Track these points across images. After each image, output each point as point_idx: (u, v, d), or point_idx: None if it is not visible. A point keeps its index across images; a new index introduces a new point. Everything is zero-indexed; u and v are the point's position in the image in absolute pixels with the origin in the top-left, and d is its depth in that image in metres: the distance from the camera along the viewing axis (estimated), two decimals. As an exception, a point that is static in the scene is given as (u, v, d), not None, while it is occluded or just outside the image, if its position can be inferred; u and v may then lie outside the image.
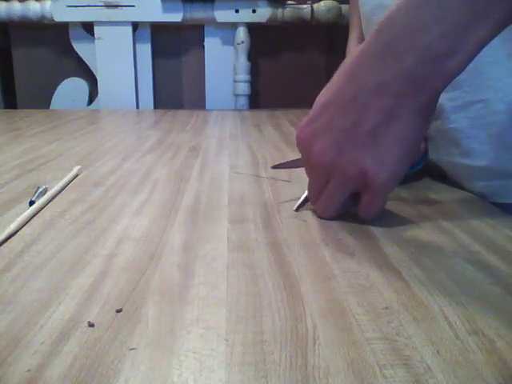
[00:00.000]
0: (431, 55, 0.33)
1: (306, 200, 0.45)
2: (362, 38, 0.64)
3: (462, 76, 0.35)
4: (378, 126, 0.36)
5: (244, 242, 0.36)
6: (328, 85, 0.40)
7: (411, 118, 0.36)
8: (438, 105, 0.37)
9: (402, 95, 0.35)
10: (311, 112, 0.40)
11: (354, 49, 0.63)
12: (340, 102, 0.37)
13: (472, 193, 0.49)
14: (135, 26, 1.30)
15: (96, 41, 1.27)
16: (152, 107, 1.34)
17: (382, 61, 0.35)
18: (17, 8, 1.25)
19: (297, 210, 0.44)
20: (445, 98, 0.38)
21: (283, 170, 0.57)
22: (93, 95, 1.35)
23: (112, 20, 1.25)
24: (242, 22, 1.26)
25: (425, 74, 0.34)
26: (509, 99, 0.44)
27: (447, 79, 0.35)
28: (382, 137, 0.36)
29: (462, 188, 0.51)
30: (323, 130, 0.38)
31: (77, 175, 0.55)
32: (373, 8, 0.57)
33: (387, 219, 0.41)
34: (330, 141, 0.38)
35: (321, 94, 0.40)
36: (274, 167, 0.55)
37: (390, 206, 0.44)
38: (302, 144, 0.40)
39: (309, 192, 0.43)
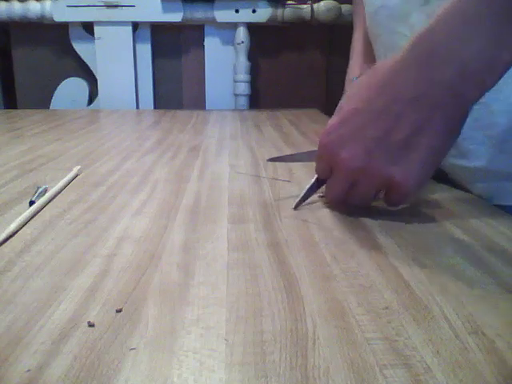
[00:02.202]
0: (470, 68, 0.34)
1: (304, 198, 0.45)
2: (366, 38, 0.64)
3: None
4: (409, 137, 0.37)
5: (244, 242, 0.36)
6: (355, 91, 0.40)
7: (444, 129, 0.36)
8: None
9: (437, 107, 0.36)
10: (337, 118, 0.40)
11: (357, 48, 0.63)
12: (371, 111, 0.38)
13: (478, 193, 0.49)
14: (135, 26, 1.30)
15: (96, 41, 1.27)
16: (152, 107, 1.34)
17: (418, 72, 0.35)
18: (17, 8, 1.25)
19: (295, 208, 0.44)
20: None
21: (283, 169, 0.57)
22: (93, 95, 1.35)
23: (112, 20, 1.25)
24: (242, 22, 1.27)
25: (462, 87, 0.35)
26: (507, 101, 0.44)
27: (482, 91, 0.35)
28: (413, 147, 0.37)
29: (462, 189, 0.51)
30: (352, 137, 0.39)
31: (77, 175, 0.55)
32: (376, 8, 0.58)
33: (387, 219, 0.41)
34: (359, 148, 0.38)
35: (347, 100, 0.40)
36: (271, 160, 0.56)
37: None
38: (328, 149, 0.40)
39: (330, 192, 0.43)
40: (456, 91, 0.35)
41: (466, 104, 0.36)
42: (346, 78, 0.61)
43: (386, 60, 0.38)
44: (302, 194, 0.45)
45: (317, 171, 0.44)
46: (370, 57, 0.62)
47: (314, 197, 0.47)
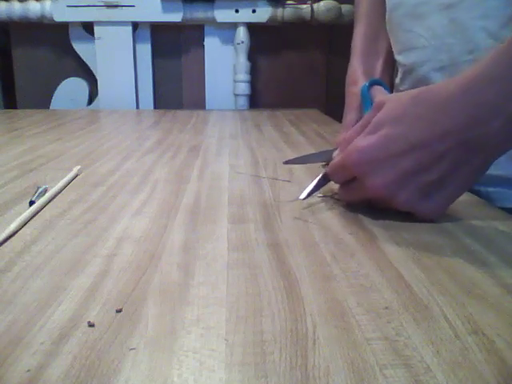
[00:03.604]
0: None
1: (313, 190, 0.45)
2: (367, 34, 0.64)
3: None
4: (445, 175, 0.37)
5: (244, 242, 0.36)
6: (398, 112, 0.39)
7: (480, 167, 0.37)
8: None
9: (479, 152, 0.36)
10: (375, 138, 0.39)
11: (358, 47, 0.63)
12: (413, 143, 0.37)
13: (477, 195, 0.49)
14: (135, 26, 1.30)
15: (96, 41, 1.27)
16: (152, 107, 1.34)
17: (467, 117, 0.35)
18: (17, 8, 1.25)
19: (304, 199, 0.44)
20: None
21: (283, 169, 0.57)
22: (93, 95, 1.35)
23: (112, 20, 1.25)
24: (241, 22, 1.27)
25: (507, 137, 0.36)
26: None
27: None
28: (445, 185, 0.38)
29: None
30: (387, 164, 0.38)
31: (77, 175, 0.55)
32: (394, 4, 0.58)
33: (387, 219, 0.41)
34: (392, 177, 0.38)
35: (385, 121, 0.39)
36: (287, 162, 0.56)
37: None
38: (359, 169, 0.40)
39: (348, 197, 0.44)
40: (499, 141, 0.36)
41: (506, 149, 0.37)
42: (347, 76, 0.61)
43: (432, 89, 0.38)
44: (311, 186, 0.45)
45: (333, 178, 0.44)
46: (370, 54, 0.62)
47: (315, 197, 0.47)
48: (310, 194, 0.45)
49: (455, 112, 0.36)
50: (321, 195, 0.47)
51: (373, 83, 0.53)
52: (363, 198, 0.42)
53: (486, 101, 0.35)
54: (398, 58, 0.60)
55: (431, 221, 0.40)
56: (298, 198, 0.44)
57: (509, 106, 0.34)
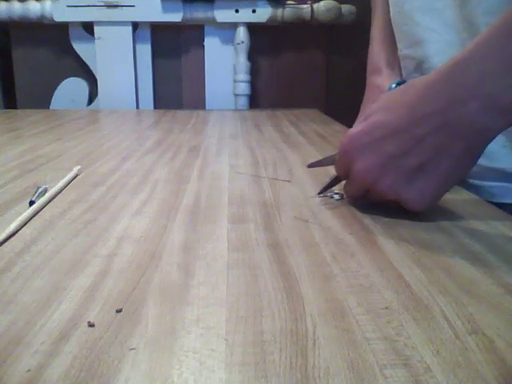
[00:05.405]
0: (495, 104, 0.34)
1: (329, 185, 0.47)
2: (385, 27, 0.64)
3: None
4: (427, 161, 0.37)
5: (244, 242, 0.36)
6: (385, 104, 0.40)
7: (462, 157, 0.37)
8: None
9: (460, 137, 0.36)
10: (361, 126, 0.40)
11: (377, 37, 0.63)
12: (395, 128, 0.38)
13: (477, 191, 0.50)
14: (135, 25, 1.30)
15: (96, 41, 1.27)
16: (152, 107, 1.34)
17: (446, 102, 0.36)
18: (17, 8, 1.25)
19: (319, 194, 0.46)
20: None
21: (283, 169, 0.58)
22: (93, 95, 1.35)
23: (112, 20, 1.25)
24: (242, 22, 1.27)
25: (486, 121, 0.35)
26: None
27: (505, 126, 0.36)
28: (429, 171, 0.38)
29: (463, 187, 0.51)
30: (371, 149, 0.39)
31: (77, 175, 0.55)
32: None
33: (387, 219, 0.41)
34: (375, 161, 0.39)
35: (376, 110, 0.40)
36: (310, 166, 0.55)
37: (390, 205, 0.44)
38: (347, 155, 0.41)
39: (348, 192, 0.45)
40: (478, 125, 0.36)
41: (490, 134, 0.36)
42: (368, 63, 0.61)
43: (421, 78, 0.39)
44: (327, 182, 0.47)
45: (336, 172, 0.45)
46: (390, 44, 0.63)
47: (315, 198, 0.47)
48: (324, 190, 0.47)
49: (434, 94, 0.37)
50: (321, 195, 0.47)
51: (399, 84, 0.53)
52: (360, 190, 0.42)
53: (463, 82, 0.35)
54: (406, 51, 0.60)
55: (418, 210, 0.40)
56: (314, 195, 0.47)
57: (486, 86, 0.34)
